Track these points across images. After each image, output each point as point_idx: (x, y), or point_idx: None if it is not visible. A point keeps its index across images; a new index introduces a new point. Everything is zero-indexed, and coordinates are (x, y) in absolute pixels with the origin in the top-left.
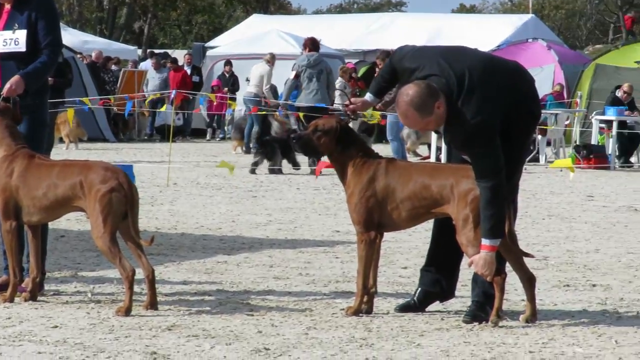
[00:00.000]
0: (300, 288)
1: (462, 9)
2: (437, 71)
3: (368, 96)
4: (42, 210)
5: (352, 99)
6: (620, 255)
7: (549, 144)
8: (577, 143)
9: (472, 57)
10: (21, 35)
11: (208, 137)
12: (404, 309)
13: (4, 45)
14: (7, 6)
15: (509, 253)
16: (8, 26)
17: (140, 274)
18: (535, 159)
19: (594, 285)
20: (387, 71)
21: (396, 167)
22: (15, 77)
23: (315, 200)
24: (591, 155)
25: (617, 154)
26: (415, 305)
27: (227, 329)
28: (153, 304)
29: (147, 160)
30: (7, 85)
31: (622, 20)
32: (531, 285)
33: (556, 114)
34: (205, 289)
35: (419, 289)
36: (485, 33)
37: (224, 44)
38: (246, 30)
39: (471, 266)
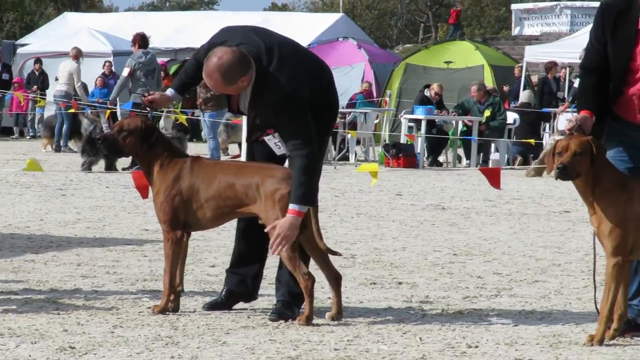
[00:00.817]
0: (108, 287)
1: (274, 8)
2: (247, 41)
3: (169, 91)
4: None
5: (154, 92)
6: (426, 253)
7: (358, 142)
8: (387, 142)
9: (280, 36)
10: None
11: (15, 135)
12: (211, 307)
13: None
14: None
15: (314, 251)
16: None
17: None
18: (345, 158)
19: (400, 283)
20: (190, 67)
21: (202, 166)
22: None
23: (125, 198)
24: (400, 154)
25: (425, 153)
26: (222, 304)
27: (33, 327)
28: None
29: None
30: None
31: (432, 19)
32: (337, 284)
33: (366, 113)
34: (12, 288)
35: (225, 288)
36: (297, 32)
37: (34, 42)
38: (57, 28)
39: (270, 230)
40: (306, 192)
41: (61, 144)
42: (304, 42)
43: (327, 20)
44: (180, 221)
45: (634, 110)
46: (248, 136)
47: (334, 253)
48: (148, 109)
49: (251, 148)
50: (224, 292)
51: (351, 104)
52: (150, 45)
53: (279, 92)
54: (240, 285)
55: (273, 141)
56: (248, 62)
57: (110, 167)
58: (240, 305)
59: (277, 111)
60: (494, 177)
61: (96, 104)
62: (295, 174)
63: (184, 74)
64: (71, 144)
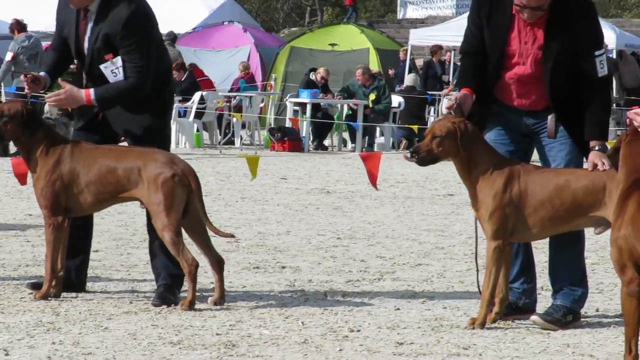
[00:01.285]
0: None
1: None
2: None
3: (42, 74)
4: None
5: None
6: (310, 237)
7: (244, 126)
8: (272, 126)
9: None
10: None
11: None
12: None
13: None
14: None
15: (197, 236)
16: None
17: None
18: (231, 142)
19: (283, 267)
20: (54, 44)
21: (82, 151)
22: None
23: (8, 183)
24: (285, 138)
25: (310, 136)
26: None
27: None
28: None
29: None
30: None
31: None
32: (220, 268)
33: (251, 97)
34: None
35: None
36: (182, 15)
37: None
38: None
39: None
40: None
41: None
42: (189, 25)
43: (212, 3)
44: (61, 206)
45: (511, 94)
46: (87, 71)
47: (225, 235)
48: (28, 90)
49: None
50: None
51: (235, 88)
52: (34, 29)
53: (124, 10)
54: (66, 275)
55: (110, 68)
56: None
57: (5, 152)
58: (123, 290)
59: (123, 36)
60: (372, 163)
61: None
62: (115, 87)
63: (50, 55)
64: None
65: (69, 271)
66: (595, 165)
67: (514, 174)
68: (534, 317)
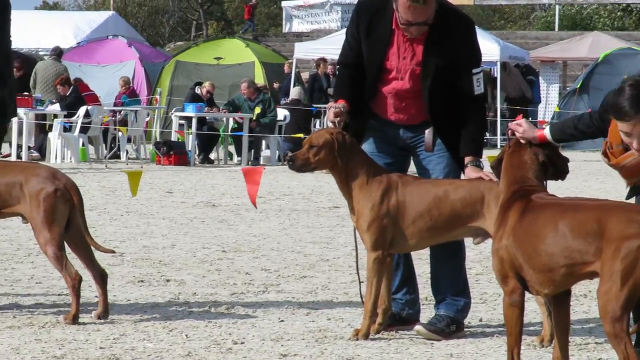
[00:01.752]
0: None
1: (45, 7)
2: None
3: None
4: None
5: None
6: (195, 250)
7: (129, 140)
8: (158, 140)
9: None
10: None
11: None
12: None
13: None
14: None
15: (79, 250)
16: None
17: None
18: (117, 156)
19: (168, 281)
20: None
21: None
22: None
23: None
24: (171, 152)
25: (196, 150)
26: None
27: None
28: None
29: None
30: None
31: (204, 16)
32: (103, 282)
33: (136, 111)
34: None
35: None
36: (67, 30)
37: None
38: None
39: None
40: None
41: None
42: (73, 41)
43: (97, 18)
44: None
45: (388, 108)
46: None
47: (106, 250)
48: None
49: None
50: None
51: (119, 103)
52: None
53: None
54: None
55: None
56: None
57: None
58: (7, 304)
59: None
60: (253, 178)
61: None
62: None
63: None
64: None
65: None
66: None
67: (392, 185)
68: (417, 327)
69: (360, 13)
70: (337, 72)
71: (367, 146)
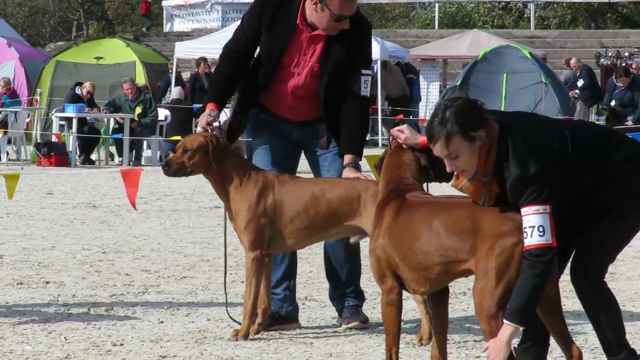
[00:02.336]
0: None
1: None
2: None
3: None
4: None
5: None
6: (75, 252)
7: (9, 142)
8: (39, 141)
9: None
10: None
11: None
12: None
13: None
14: None
15: None
16: None
17: None
18: None
19: (47, 283)
20: None
21: None
22: None
23: None
24: (52, 152)
25: (77, 151)
26: None
27: None
28: None
29: None
30: None
31: (84, 16)
32: None
33: (16, 112)
34: None
35: None
36: None
37: None
38: None
39: None
40: None
41: None
42: None
43: None
44: None
45: (283, 104)
46: None
47: None
48: None
49: None
50: None
51: None
52: None
53: None
54: None
55: None
56: None
57: None
58: None
59: None
60: (131, 180)
61: None
62: None
63: None
64: None
65: None
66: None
67: (268, 185)
68: (354, 324)
69: (264, 4)
70: (220, 59)
71: (260, 141)
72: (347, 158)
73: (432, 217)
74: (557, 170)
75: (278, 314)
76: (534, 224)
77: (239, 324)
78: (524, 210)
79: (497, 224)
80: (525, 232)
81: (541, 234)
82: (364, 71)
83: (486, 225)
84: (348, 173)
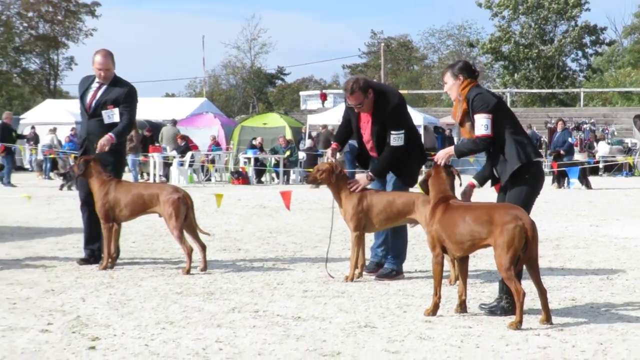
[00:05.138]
0: None
1: (166, 95)
2: None
3: None
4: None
5: None
6: (254, 232)
7: (216, 171)
8: (232, 170)
9: None
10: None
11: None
12: None
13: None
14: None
15: (190, 232)
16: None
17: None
18: (209, 179)
19: (239, 249)
20: None
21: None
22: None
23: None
24: (240, 177)
25: (254, 176)
26: None
27: None
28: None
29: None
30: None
31: (256, 100)
32: (204, 250)
33: (220, 154)
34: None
35: None
36: (179, 109)
37: (28, 117)
38: (42, 108)
39: None
40: None
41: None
42: (183, 115)
43: (196, 102)
44: None
45: (365, 148)
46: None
47: (204, 232)
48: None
49: None
50: None
51: (210, 149)
52: None
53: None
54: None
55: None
56: None
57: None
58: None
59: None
60: (285, 193)
61: (65, 151)
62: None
63: None
64: (52, 174)
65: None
66: (355, 186)
67: (364, 195)
68: (384, 280)
69: (345, 99)
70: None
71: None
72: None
73: (465, 214)
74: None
75: (379, 264)
76: (484, 123)
77: (331, 277)
78: (477, 115)
79: (503, 216)
80: (479, 126)
81: (486, 128)
82: (392, 132)
83: (497, 217)
84: (363, 177)
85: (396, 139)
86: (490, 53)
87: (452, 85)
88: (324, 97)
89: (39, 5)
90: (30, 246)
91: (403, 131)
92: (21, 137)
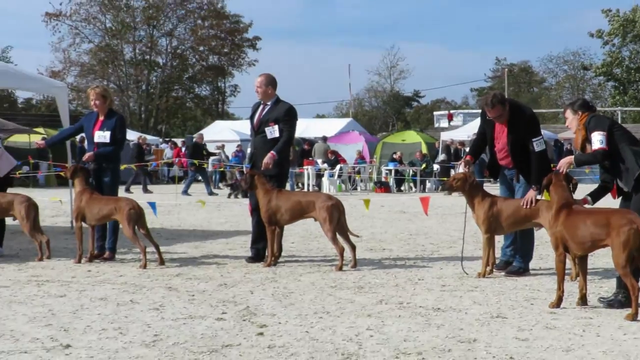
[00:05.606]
0: None
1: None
2: None
3: None
4: None
5: None
6: (396, 234)
7: (361, 181)
8: (375, 181)
9: None
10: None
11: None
12: None
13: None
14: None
15: (342, 234)
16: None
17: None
18: (355, 188)
19: (384, 249)
20: None
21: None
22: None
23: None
24: (382, 186)
25: (395, 185)
26: None
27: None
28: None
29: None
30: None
31: (395, 120)
32: (354, 250)
33: (365, 166)
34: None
35: None
36: (328, 128)
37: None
38: (212, 128)
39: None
40: None
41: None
42: (332, 133)
43: (344, 122)
44: None
45: (497, 158)
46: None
47: (353, 234)
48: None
49: None
50: None
51: (355, 163)
52: None
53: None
54: None
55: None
56: None
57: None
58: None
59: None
60: (424, 199)
61: (232, 165)
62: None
63: None
64: (220, 185)
65: None
66: (529, 200)
67: (495, 201)
68: (512, 276)
69: (481, 114)
70: (472, 142)
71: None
72: (534, 187)
73: (586, 218)
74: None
75: (508, 262)
76: (599, 138)
77: (466, 273)
78: (593, 133)
79: (619, 220)
80: (596, 142)
81: (601, 143)
82: (533, 139)
83: (614, 221)
84: (529, 195)
85: (538, 144)
86: (602, 75)
87: (572, 119)
88: (450, 116)
89: (209, 41)
90: (205, 246)
91: (541, 136)
92: (211, 154)
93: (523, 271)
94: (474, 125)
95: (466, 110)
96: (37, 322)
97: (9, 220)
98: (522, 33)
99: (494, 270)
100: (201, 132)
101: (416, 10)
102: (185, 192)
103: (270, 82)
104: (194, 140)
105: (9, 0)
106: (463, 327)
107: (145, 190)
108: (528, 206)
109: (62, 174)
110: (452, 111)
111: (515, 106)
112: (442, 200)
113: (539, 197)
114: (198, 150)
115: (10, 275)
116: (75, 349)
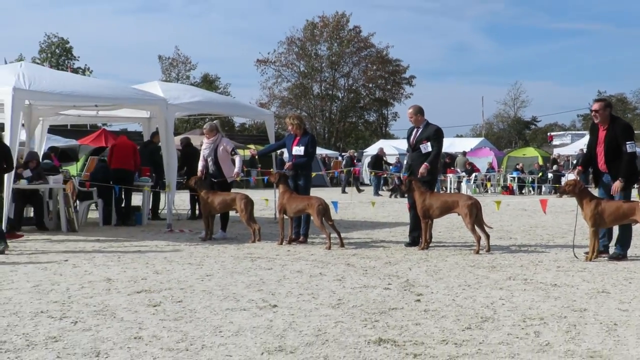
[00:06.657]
0: None
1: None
2: None
3: None
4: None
5: None
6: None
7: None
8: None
9: None
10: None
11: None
12: None
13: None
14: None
15: (480, 227)
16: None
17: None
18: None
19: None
20: None
21: None
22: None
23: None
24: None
25: (517, 189)
26: None
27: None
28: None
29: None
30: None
31: (517, 137)
32: (488, 239)
33: (492, 175)
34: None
35: None
36: (465, 146)
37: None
38: None
39: None
40: None
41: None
42: (468, 149)
43: (477, 140)
44: None
45: (599, 163)
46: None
47: (489, 226)
48: None
49: None
50: None
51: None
52: None
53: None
54: None
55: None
56: None
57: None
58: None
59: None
60: (543, 202)
61: (392, 173)
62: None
63: None
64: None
65: None
66: (616, 189)
67: (599, 202)
68: (612, 260)
69: (590, 129)
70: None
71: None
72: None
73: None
74: None
75: (606, 249)
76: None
77: (577, 257)
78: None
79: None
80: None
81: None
82: (627, 142)
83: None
84: (617, 182)
85: (630, 147)
86: None
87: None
88: (550, 138)
89: (376, 79)
90: (373, 234)
91: (633, 141)
92: (388, 164)
93: (622, 257)
94: (580, 144)
95: (574, 132)
96: (252, 287)
97: (231, 212)
98: (618, 70)
99: (599, 256)
100: (380, 146)
101: (536, 54)
102: (375, 194)
103: (419, 110)
104: (377, 153)
105: (231, 51)
106: (575, 299)
107: (346, 191)
108: (617, 193)
109: (270, 178)
110: (553, 133)
111: (616, 116)
112: (554, 201)
113: (634, 198)
114: (379, 162)
115: (232, 253)
116: (280, 308)
